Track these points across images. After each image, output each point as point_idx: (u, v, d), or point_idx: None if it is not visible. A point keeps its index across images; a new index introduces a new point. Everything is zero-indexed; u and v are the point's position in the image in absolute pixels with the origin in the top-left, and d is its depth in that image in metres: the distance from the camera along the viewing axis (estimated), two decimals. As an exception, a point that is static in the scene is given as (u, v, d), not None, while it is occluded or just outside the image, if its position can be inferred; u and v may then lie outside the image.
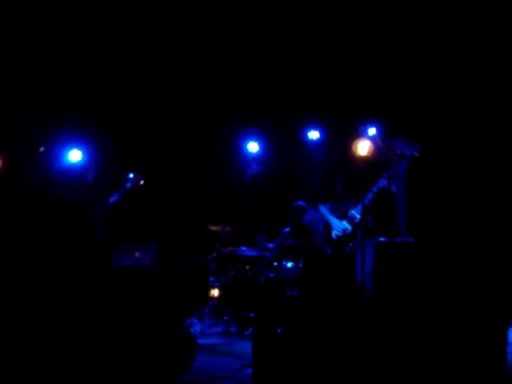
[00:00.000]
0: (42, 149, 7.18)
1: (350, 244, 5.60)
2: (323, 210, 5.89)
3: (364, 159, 5.74)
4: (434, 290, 5.08)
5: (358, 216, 5.57)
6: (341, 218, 5.73)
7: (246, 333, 6.17)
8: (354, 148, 5.76)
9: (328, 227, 5.79)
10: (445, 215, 6.69)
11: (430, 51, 6.75)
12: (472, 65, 6.64)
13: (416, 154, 5.23)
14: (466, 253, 5.86)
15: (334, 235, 5.72)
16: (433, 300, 4.63)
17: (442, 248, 6.05)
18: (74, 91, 7.33)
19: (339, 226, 5.68)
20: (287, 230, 7.17)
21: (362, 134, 5.73)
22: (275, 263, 6.74)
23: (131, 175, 6.36)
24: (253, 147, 8.14)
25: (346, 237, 5.64)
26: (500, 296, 4.63)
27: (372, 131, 6.07)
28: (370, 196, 5.50)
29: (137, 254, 6.63)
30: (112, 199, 6.24)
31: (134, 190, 6.37)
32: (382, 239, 5.75)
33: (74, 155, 7.03)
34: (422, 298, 4.71)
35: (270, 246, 7.23)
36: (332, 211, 5.83)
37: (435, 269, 5.69)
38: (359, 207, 5.54)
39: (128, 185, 6.32)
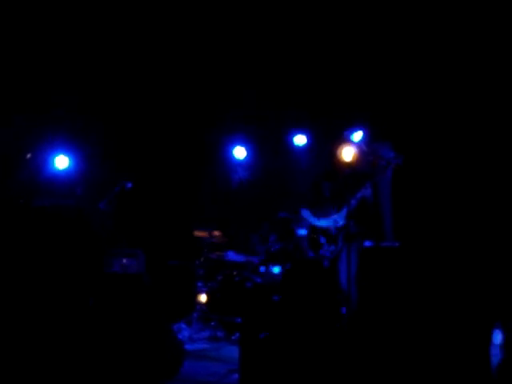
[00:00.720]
0: (28, 155, 7.16)
1: (332, 248, 5.65)
2: (305, 213, 5.94)
3: (349, 165, 5.79)
4: (418, 293, 5.13)
5: (340, 221, 5.62)
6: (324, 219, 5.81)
7: (232, 337, 6.19)
8: (339, 154, 5.80)
9: (313, 230, 5.85)
10: (430, 219, 6.73)
11: (414, 55, 6.80)
12: (456, 68, 6.70)
13: (400, 163, 5.30)
14: (451, 256, 5.92)
15: (324, 225, 5.75)
16: (418, 303, 4.68)
17: (427, 252, 6.11)
18: (67, 95, 7.29)
19: (324, 223, 5.73)
20: (272, 237, 7.17)
21: (347, 139, 5.78)
22: (262, 268, 6.77)
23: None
24: (239, 153, 8.13)
25: (329, 238, 5.69)
26: (484, 298, 4.70)
27: (357, 136, 6.14)
28: (353, 202, 5.54)
29: (124, 261, 6.62)
30: (100, 205, 6.28)
31: (122, 194, 6.41)
32: (367, 244, 5.80)
33: (61, 162, 7.01)
34: (407, 302, 4.76)
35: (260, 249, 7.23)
36: (315, 216, 5.89)
37: (420, 273, 5.74)
38: (342, 213, 5.59)
39: (116, 188, 6.37)
